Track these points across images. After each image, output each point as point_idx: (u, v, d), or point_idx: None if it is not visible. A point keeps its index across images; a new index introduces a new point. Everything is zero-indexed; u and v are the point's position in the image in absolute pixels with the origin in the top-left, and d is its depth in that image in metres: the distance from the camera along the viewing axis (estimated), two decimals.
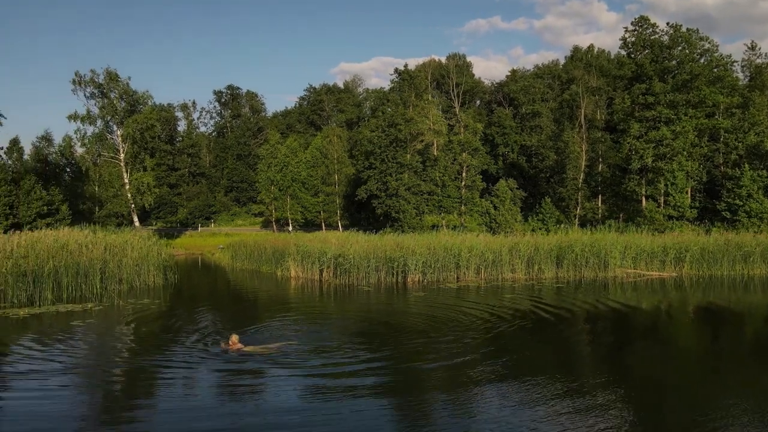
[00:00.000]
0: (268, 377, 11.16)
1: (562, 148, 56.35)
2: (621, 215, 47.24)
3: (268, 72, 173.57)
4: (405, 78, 49.09)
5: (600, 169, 52.19)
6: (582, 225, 46.44)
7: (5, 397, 9.99)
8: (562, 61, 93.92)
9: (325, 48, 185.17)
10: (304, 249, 28.44)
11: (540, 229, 46.43)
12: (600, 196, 52.02)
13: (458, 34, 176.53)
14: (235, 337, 13.66)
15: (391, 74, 52.79)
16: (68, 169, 58.77)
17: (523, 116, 76.53)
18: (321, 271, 26.85)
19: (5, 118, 42.18)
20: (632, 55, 45.76)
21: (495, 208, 47.36)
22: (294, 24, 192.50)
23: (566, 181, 53.04)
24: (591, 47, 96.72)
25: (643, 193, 44.37)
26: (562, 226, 48.09)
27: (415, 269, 25.54)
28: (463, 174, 55.87)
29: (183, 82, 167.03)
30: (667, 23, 44.90)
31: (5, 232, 33.00)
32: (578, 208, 51.85)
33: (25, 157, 63.74)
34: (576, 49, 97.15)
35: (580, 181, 51.91)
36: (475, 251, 27.09)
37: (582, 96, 56.88)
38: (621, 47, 46.90)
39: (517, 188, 54.11)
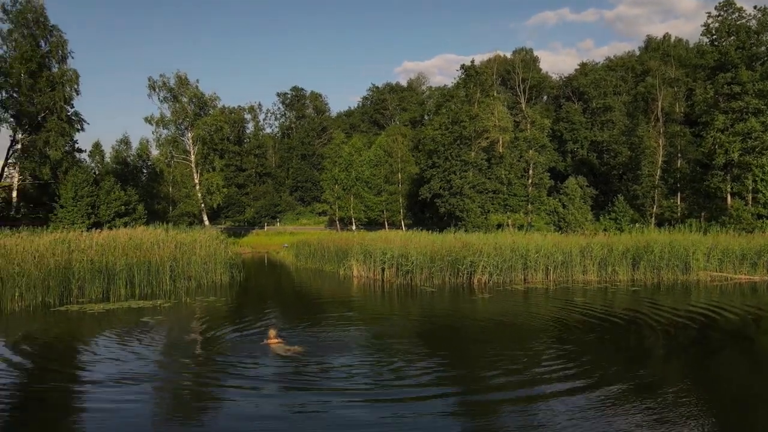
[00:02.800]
0: (330, 378, 10.82)
1: (637, 144, 53.41)
2: (702, 214, 44.15)
3: (332, 73, 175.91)
4: (471, 74, 47.96)
5: (679, 165, 49.04)
6: (659, 224, 43.80)
7: (86, 393, 10.16)
8: (637, 53, 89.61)
9: (389, 47, 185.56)
10: (366, 248, 28.20)
11: (613, 228, 44.14)
12: (679, 194, 48.91)
13: (524, 28, 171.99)
14: (272, 332, 13.55)
15: (457, 70, 51.86)
16: (144, 171, 61.59)
17: (594, 111, 73.38)
18: (383, 271, 26.50)
19: (88, 124, 44.60)
20: (716, 43, 42.61)
21: (564, 206, 45.49)
22: (357, 24, 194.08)
23: (641, 178, 50.16)
24: (667, 36, 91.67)
25: (729, 190, 41.18)
26: (637, 225, 45.58)
27: (481, 270, 24.68)
28: (530, 172, 54.07)
29: (249, 84, 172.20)
30: (755, 7, 41.44)
31: (87, 230, 34.79)
32: (654, 207, 48.96)
33: (107, 159, 67.42)
34: (651, 40, 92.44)
35: (657, 177, 48.99)
36: (543, 251, 25.90)
37: (659, 88, 53.70)
38: (703, 34, 43.74)
39: (587, 186, 51.85)
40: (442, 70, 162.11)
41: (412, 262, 24.72)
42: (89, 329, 15.56)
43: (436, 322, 17.07)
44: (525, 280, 25.37)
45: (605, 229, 43.44)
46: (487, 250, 25.38)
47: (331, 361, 12.02)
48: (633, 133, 55.99)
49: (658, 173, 49.04)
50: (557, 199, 46.29)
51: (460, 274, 25.02)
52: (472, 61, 48.98)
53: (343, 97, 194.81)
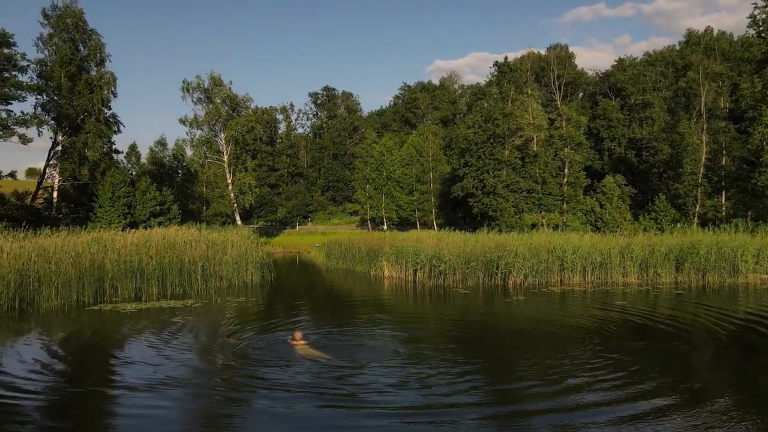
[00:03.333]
0: (361, 386, 10.44)
1: (678, 141, 51.51)
2: (749, 213, 42.25)
3: (364, 72, 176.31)
4: (504, 71, 47.01)
5: (723, 162, 47.07)
6: (703, 225, 42.06)
7: (120, 393, 10.05)
8: (677, 47, 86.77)
9: (420, 46, 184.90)
10: (398, 249, 27.78)
11: (653, 228, 42.61)
12: (723, 193, 46.96)
13: (558, 24, 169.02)
14: (298, 334, 13.39)
15: (490, 68, 50.91)
16: (180, 171, 62.55)
17: (632, 107, 71.37)
18: (415, 272, 26.04)
19: (124, 126, 45.45)
20: (763, 35, 40.74)
21: (601, 206, 44.15)
22: (388, 23, 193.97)
23: (683, 176, 48.32)
24: (709, 30, 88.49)
25: None
26: (678, 225, 43.94)
27: (516, 272, 23.97)
28: (565, 170, 52.82)
29: (282, 85, 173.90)
30: None
31: (123, 230, 35.40)
32: (697, 206, 47.12)
33: (143, 160, 68.77)
34: (692, 33, 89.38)
35: (700, 176, 47.13)
36: (580, 252, 25.02)
37: (702, 83, 51.67)
38: (749, 26, 41.88)
39: (625, 185, 50.34)
40: (474, 68, 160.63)
41: (446, 263, 24.17)
42: (122, 330, 15.57)
43: (469, 325, 16.53)
44: (561, 282, 24.57)
45: (645, 229, 41.98)
46: (522, 251, 24.66)
47: (358, 368, 11.64)
48: (674, 129, 54.08)
49: (702, 171, 47.17)
50: (594, 199, 44.94)
51: (495, 275, 24.40)
52: (506, 58, 48.04)
53: (375, 97, 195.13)
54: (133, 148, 71.84)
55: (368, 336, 14.63)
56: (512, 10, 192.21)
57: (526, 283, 23.87)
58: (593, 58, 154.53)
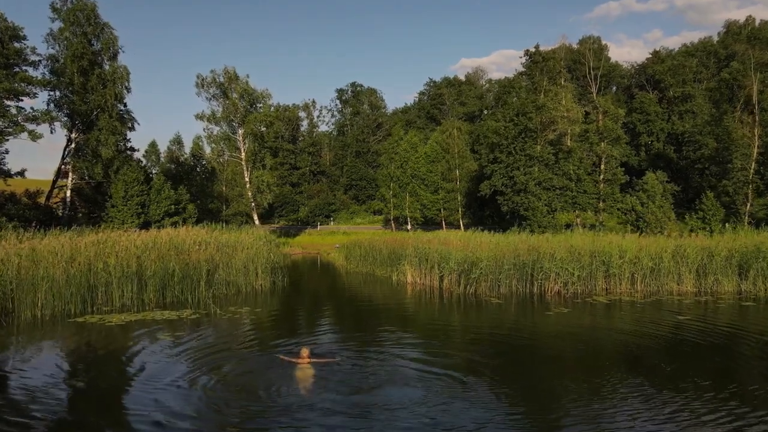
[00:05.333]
0: (370, 416, 8.07)
1: (725, 135, 47.78)
2: None
3: (389, 71, 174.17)
4: (536, 60, 43.97)
5: None
6: (756, 225, 38.53)
7: None
8: (715, 39, 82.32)
9: (446, 44, 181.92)
10: (422, 252, 25.29)
11: (700, 229, 39.25)
12: None
13: (586, 21, 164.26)
14: (305, 351, 11.48)
15: (521, 56, 47.85)
16: (198, 169, 61.02)
17: (671, 100, 67.52)
18: (441, 278, 23.52)
19: (138, 124, 43.90)
20: None
21: (642, 204, 40.91)
22: (413, 21, 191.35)
23: (731, 172, 44.69)
24: (750, 20, 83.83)
25: None
26: (728, 225, 40.47)
27: (556, 278, 21.28)
28: (602, 166, 49.60)
29: (306, 85, 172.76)
30: None
31: (137, 230, 33.74)
32: (748, 204, 43.49)
33: (162, 159, 67.66)
34: (731, 24, 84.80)
35: (751, 172, 43.47)
36: (628, 256, 22.18)
37: (754, 73, 47.81)
38: None
39: (667, 181, 46.93)
40: (500, 66, 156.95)
41: (480, 270, 21.50)
42: (93, 350, 13.27)
43: (505, 343, 13.97)
44: (607, 290, 21.79)
45: (692, 230, 38.66)
46: (561, 255, 21.93)
47: (373, 394, 9.54)
48: (720, 123, 50.32)
49: (753, 167, 43.51)
50: (635, 197, 41.69)
51: (529, 281, 21.74)
52: (537, 46, 44.96)
53: (399, 97, 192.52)
54: (153, 146, 70.86)
55: (384, 357, 12.22)
56: (539, 6, 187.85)
57: (566, 292, 21.18)
58: (623, 54, 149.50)
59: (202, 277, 21.17)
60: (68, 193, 43.26)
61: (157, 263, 20.57)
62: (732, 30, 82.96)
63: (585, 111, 51.81)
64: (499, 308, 18.90)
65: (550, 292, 21.23)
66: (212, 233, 29.86)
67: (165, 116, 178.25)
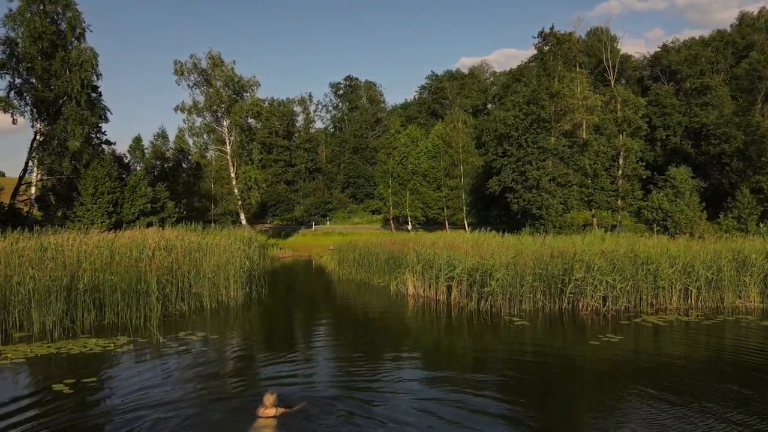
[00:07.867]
0: None
1: (753, 128, 43.60)
2: None
3: (389, 71, 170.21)
4: (551, 42, 39.69)
5: None
6: None
7: None
8: (728, 31, 78.28)
9: (446, 42, 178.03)
10: (425, 257, 21.14)
11: (736, 229, 35.13)
12: None
13: (587, 19, 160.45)
14: (270, 398, 7.88)
15: (534, 36, 43.53)
16: (184, 165, 56.81)
17: (688, 92, 63.35)
18: (449, 289, 19.38)
19: (111, 113, 39.78)
20: None
21: (670, 202, 36.77)
22: (413, 19, 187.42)
23: (765, 167, 40.55)
24: (764, 10, 79.69)
25: None
26: (761, 225, 36.43)
27: (593, 292, 17.11)
28: (620, 161, 45.46)
29: (304, 82, 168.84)
30: None
31: (107, 230, 29.59)
32: None
33: (146, 155, 63.33)
34: (744, 15, 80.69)
35: None
36: (681, 264, 18.03)
37: None
38: None
39: (692, 177, 42.89)
40: (501, 65, 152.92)
41: (497, 281, 17.33)
42: None
43: (541, 383, 9.82)
44: (654, 306, 17.65)
45: (726, 231, 34.55)
46: (597, 263, 17.74)
47: None
48: (746, 114, 46.20)
49: None
50: (662, 194, 37.53)
51: (556, 295, 17.58)
52: (552, 26, 40.72)
53: (400, 97, 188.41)
54: (138, 141, 66.57)
55: (374, 406, 8.11)
56: (540, 5, 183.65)
57: (606, 310, 17.01)
58: (623, 52, 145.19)
59: (153, 291, 17.00)
60: (32, 191, 39.17)
61: (94, 274, 16.48)
62: (745, 21, 78.95)
63: (601, 101, 47.71)
64: (523, 332, 14.73)
65: (586, 310, 17.09)
66: (185, 235, 25.84)
67: (164, 116, 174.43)
